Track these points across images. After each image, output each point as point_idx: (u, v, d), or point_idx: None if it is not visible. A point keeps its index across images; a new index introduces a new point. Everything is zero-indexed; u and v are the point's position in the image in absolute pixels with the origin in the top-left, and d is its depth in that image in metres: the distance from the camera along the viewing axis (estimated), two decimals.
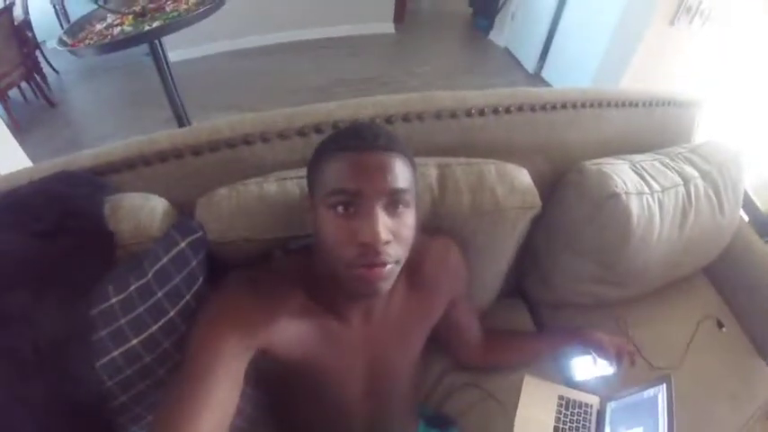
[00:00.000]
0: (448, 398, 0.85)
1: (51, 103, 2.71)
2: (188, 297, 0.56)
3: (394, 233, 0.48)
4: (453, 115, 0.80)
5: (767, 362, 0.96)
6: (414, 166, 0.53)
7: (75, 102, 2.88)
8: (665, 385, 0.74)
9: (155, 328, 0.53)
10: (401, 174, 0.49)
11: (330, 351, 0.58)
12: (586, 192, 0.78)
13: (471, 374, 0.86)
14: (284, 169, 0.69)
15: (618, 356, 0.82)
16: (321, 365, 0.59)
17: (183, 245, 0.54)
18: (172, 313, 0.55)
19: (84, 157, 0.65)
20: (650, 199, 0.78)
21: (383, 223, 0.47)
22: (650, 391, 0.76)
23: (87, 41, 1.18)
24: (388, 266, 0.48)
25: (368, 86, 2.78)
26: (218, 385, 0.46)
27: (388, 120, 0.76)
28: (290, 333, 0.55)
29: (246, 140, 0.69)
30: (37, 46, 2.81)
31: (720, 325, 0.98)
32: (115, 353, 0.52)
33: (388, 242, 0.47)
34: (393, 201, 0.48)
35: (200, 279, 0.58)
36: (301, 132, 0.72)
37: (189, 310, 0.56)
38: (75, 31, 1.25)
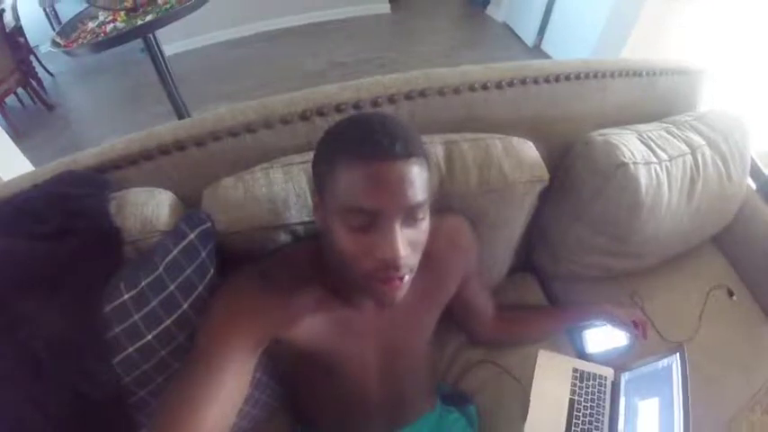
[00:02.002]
0: (464, 375, 0.86)
1: (49, 107, 2.71)
2: (200, 288, 0.56)
3: (412, 244, 0.47)
4: (457, 91, 0.79)
5: None
6: (429, 163, 0.50)
7: (73, 103, 2.87)
8: (678, 355, 0.74)
9: (168, 321, 0.53)
10: (420, 183, 0.46)
11: (345, 338, 0.59)
12: (594, 163, 0.78)
13: (486, 351, 0.87)
14: (289, 154, 0.69)
15: (633, 327, 0.82)
16: (337, 353, 0.59)
17: (192, 236, 0.54)
18: (185, 306, 0.55)
19: (85, 157, 0.65)
20: (658, 168, 0.77)
21: (402, 239, 0.45)
22: (664, 362, 0.76)
23: (81, 41, 1.17)
24: (406, 278, 0.48)
25: (365, 68, 2.74)
26: (225, 377, 0.47)
27: (391, 99, 0.75)
28: (305, 324, 0.55)
29: (249, 128, 0.69)
30: (30, 51, 2.79)
31: (731, 293, 0.98)
32: (130, 349, 0.52)
33: (407, 257, 0.46)
34: (412, 214, 0.46)
35: (212, 270, 0.58)
36: (304, 116, 0.71)
37: (201, 301, 0.56)
38: (67, 31, 1.24)
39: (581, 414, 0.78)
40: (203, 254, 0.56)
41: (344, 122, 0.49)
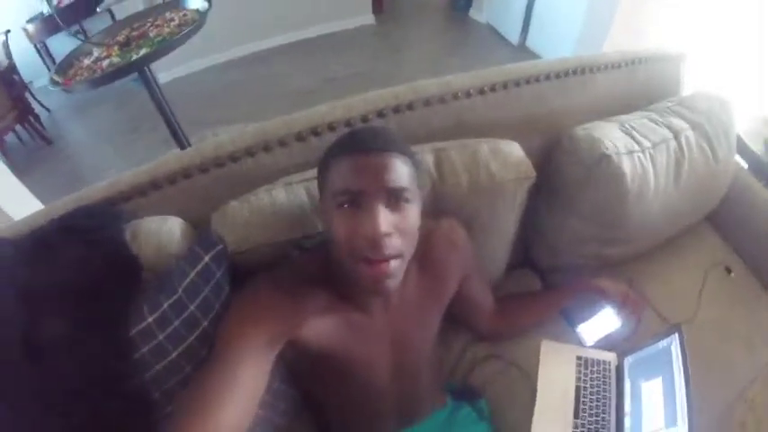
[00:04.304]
0: (472, 371, 0.88)
1: (48, 141, 2.75)
2: (217, 307, 0.60)
3: (396, 227, 0.52)
4: (442, 101, 0.83)
5: None
6: (415, 163, 0.56)
7: (71, 137, 2.92)
8: (676, 334, 0.76)
9: (191, 339, 0.57)
10: (400, 172, 0.52)
11: (354, 341, 0.62)
12: (578, 157, 0.81)
13: (491, 346, 0.90)
14: (288, 174, 0.73)
15: (628, 307, 0.84)
16: (347, 355, 0.62)
17: (206, 259, 0.58)
18: (205, 323, 0.58)
19: (95, 191, 0.69)
20: (642, 156, 0.80)
21: (384, 217, 0.50)
22: (663, 342, 0.78)
23: (78, 77, 1.21)
24: (392, 263, 0.52)
25: (356, 82, 2.79)
26: (242, 373, 0.49)
27: (380, 113, 0.79)
28: (316, 327, 0.59)
29: (249, 152, 0.73)
30: (25, 87, 2.85)
31: (729, 270, 0.99)
32: (158, 366, 0.56)
33: (388, 234, 0.50)
34: (394, 197, 0.52)
35: (227, 288, 0.62)
36: (300, 137, 0.75)
37: (219, 318, 0.59)
38: (64, 68, 1.28)
39: (588, 400, 0.80)
40: (218, 274, 0.60)
41: (340, 136, 0.58)
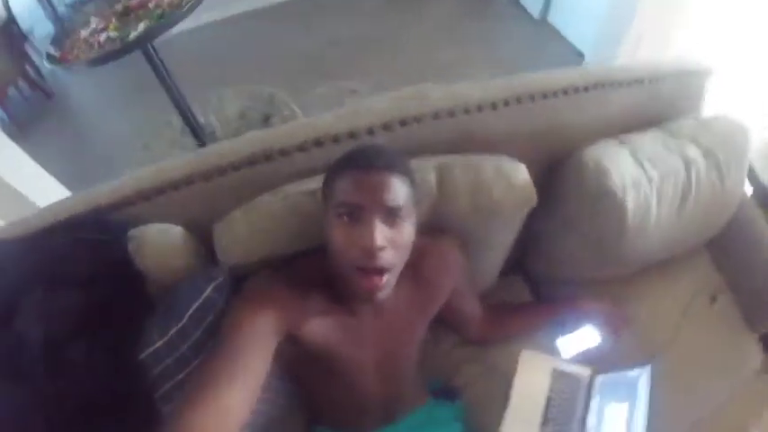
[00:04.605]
0: (455, 371, 0.93)
1: (48, 95, 2.69)
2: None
3: (390, 241, 0.56)
4: (451, 114, 0.80)
5: (757, 334, 0.99)
6: (413, 183, 0.61)
7: (73, 91, 2.84)
8: (648, 369, 0.80)
9: (196, 362, 0.61)
10: (398, 191, 0.56)
11: (345, 343, 0.67)
12: (584, 186, 0.79)
13: (476, 349, 0.94)
14: (289, 183, 0.73)
15: (609, 326, 0.89)
16: (338, 355, 0.67)
17: (208, 291, 0.61)
18: (210, 344, 0.61)
19: (101, 195, 0.70)
20: (647, 190, 0.79)
21: (380, 231, 0.54)
22: (634, 373, 0.82)
23: (76, 52, 1.17)
24: (385, 277, 0.57)
25: (362, 47, 2.63)
26: (251, 358, 0.53)
27: (386, 126, 0.77)
28: (314, 325, 0.63)
29: (251, 161, 0.72)
30: (24, 38, 2.74)
31: (713, 299, 1.00)
32: (167, 386, 0.60)
33: (383, 248, 0.55)
34: (391, 215, 0.56)
35: None
36: (302, 148, 0.74)
37: None
38: (60, 39, 1.23)
39: (556, 410, 0.85)
40: (221, 302, 0.63)
41: (347, 151, 0.61)
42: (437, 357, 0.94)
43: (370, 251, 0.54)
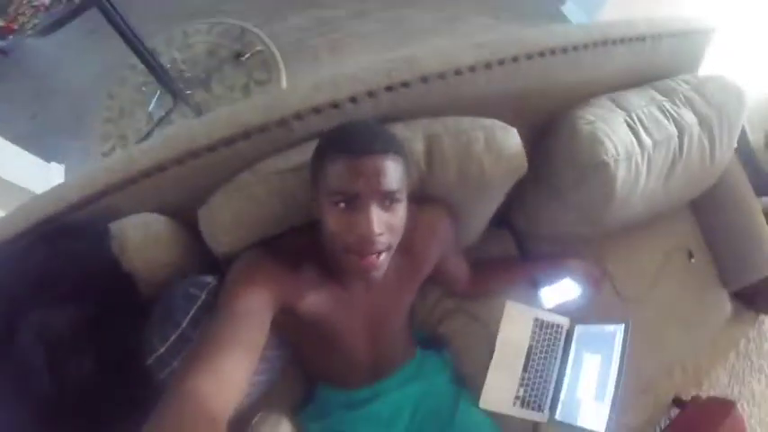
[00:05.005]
0: (440, 323, 0.97)
1: (3, 53, 2.35)
2: None
3: (387, 225, 0.56)
4: (442, 77, 0.74)
5: (729, 290, 1.05)
6: (406, 161, 0.59)
7: (27, 46, 2.47)
8: (623, 327, 0.84)
9: None
10: (394, 175, 0.55)
11: (338, 314, 0.70)
12: (576, 155, 0.78)
13: (460, 300, 0.97)
14: (266, 158, 0.68)
15: (589, 281, 0.94)
16: (331, 325, 0.70)
17: (203, 296, 0.61)
18: None
19: (71, 192, 0.66)
20: (639, 159, 0.78)
21: (377, 218, 0.54)
22: (611, 328, 0.87)
23: (21, 19, 1.01)
24: (382, 256, 0.57)
25: None
26: (248, 329, 0.53)
27: (371, 94, 0.71)
28: (308, 298, 0.65)
29: (228, 141, 0.67)
30: None
31: (691, 255, 1.04)
32: None
33: (381, 234, 0.54)
34: (387, 199, 0.55)
35: None
36: (281, 123, 0.69)
37: None
38: (3, 6, 1.04)
39: (537, 357, 0.92)
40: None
41: (334, 128, 0.59)
42: (423, 311, 0.97)
43: (369, 239, 0.54)
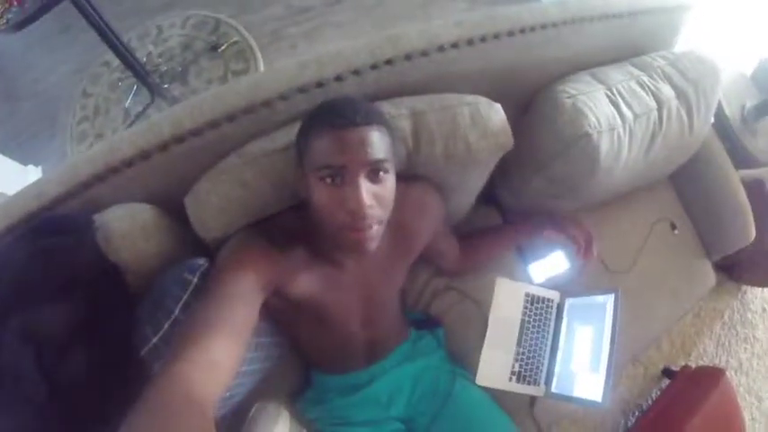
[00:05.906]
0: (432, 301, 0.97)
1: None
2: None
3: (376, 197, 0.55)
4: (425, 54, 0.75)
5: (712, 261, 1.08)
6: (391, 133, 0.59)
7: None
8: (613, 296, 0.85)
9: None
10: (380, 145, 0.55)
11: (331, 293, 0.69)
12: (558, 128, 0.78)
13: (451, 278, 0.97)
14: (252, 140, 0.68)
15: (578, 243, 0.89)
16: (324, 305, 0.70)
17: (195, 280, 0.59)
18: None
19: (52, 185, 0.64)
20: (621, 131, 0.79)
21: (366, 190, 0.54)
22: (601, 298, 0.88)
23: None
24: (373, 228, 0.56)
25: None
26: (237, 312, 0.52)
27: (356, 72, 0.71)
28: (299, 279, 0.65)
29: (212, 124, 0.66)
30: None
31: (674, 227, 1.06)
32: None
33: (371, 207, 0.54)
34: (374, 169, 0.55)
35: None
36: (266, 104, 0.68)
37: None
38: None
39: (530, 332, 0.93)
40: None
41: (317, 105, 0.59)
42: (414, 291, 0.97)
43: (360, 212, 0.53)
